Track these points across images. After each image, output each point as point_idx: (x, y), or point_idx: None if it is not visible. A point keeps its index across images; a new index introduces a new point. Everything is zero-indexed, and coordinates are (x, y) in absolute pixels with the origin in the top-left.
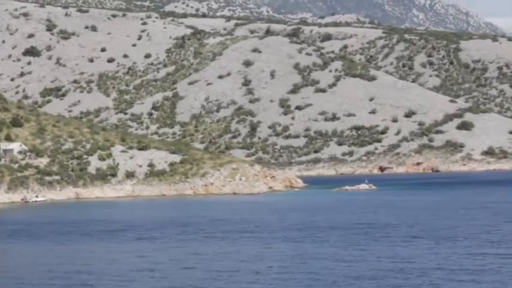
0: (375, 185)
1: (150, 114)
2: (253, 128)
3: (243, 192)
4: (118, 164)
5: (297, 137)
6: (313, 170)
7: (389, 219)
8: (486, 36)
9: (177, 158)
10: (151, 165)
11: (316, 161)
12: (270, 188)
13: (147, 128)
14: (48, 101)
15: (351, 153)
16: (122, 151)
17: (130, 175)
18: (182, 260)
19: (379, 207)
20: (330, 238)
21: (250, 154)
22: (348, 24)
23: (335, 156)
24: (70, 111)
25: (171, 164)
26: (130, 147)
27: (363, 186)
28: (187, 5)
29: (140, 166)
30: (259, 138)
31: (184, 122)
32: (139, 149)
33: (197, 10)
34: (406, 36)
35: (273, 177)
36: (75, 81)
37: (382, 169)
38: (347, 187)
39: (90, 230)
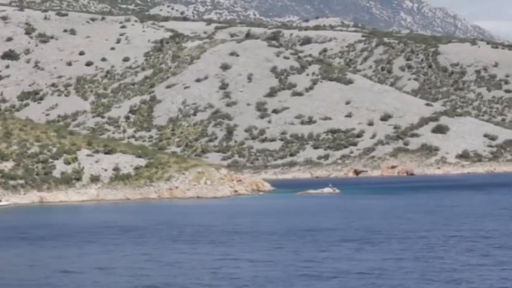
0: (343, 188)
1: (128, 117)
2: (230, 132)
3: (207, 196)
4: (83, 168)
5: (273, 140)
6: (288, 174)
7: (333, 223)
8: (465, 39)
9: (142, 161)
10: (116, 169)
11: (292, 164)
12: (235, 191)
13: (124, 131)
14: (26, 105)
15: (326, 157)
16: (88, 155)
17: (95, 179)
18: (98, 262)
19: (330, 211)
20: (256, 242)
21: (226, 157)
22: (332, 27)
23: (311, 159)
24: (47, 114)
25: (137, 168)
26: (97, 151)
27: (327, 189)
28: (173, 8)
29: (105, 170)
30: (235, 141)
31: (161, 125)
32: (106, 153)
33: (182, 13)
34: (385, 39)
35: (240, 180)
36: (53, 85)
37: (357, 172)
38: (311, 191)
39: (32, 234)
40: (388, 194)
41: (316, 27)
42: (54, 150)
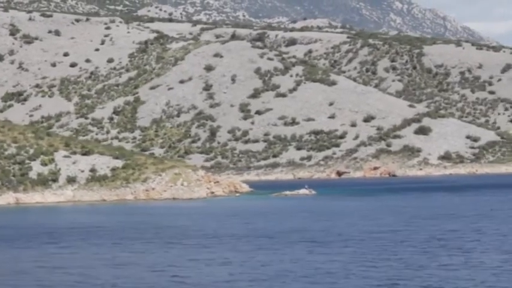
0: (320, 189)
1: (111, 118)
2: (213, 133)
3: (183, 197)
4: (60, 169)
5: (256, 141)
6: (271, 175)
7: (295, 225)
8: (450, 41)
9: (119, 163)
10: (93, 170)
11: (275, 165)
12: (212, 193)
13: (108, 132)
14: (10, 106)
15: (309, 158)
16: (65, 156)
17: (71, 180)
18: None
19: (298, 213)
20: (213, 244)
21: (209, 159)
22: (319, 28)
23: (293, 160)
24: (31, 115)
25: (113, 169)
26: (74, 152)
27: (303, 191)
28: (161, 9)
29: (82, 171)
30: (218, 142)
31: (145, 126)
32: (83, 154)
33: (170, 14)
34: (370, 41)
35: (217, 182)
36: (37, 86)
37: (339, 174)
38: (287, 192)
39: None
40: (364, 195)
41: (302, 29)
42: (32, 151)
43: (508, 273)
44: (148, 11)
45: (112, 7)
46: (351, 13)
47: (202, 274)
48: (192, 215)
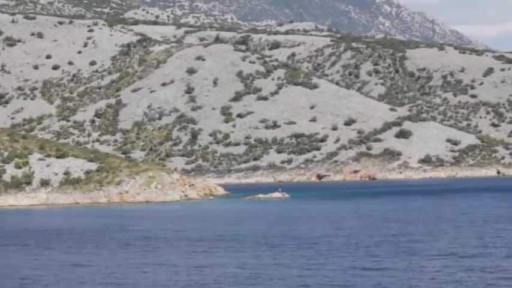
0: (295, 193)
1: (93, 121)
2: (194, 136)
3: (156, 200)
4: (33, 172)
5: (237, 144)
6: (251, 178)
7: (253, 228)
8: (433, 45)
9: (94, 166)
10: (67, 173)
11: (255, 168)
12: (186, 196)
13: (89, 135)
14: None
15: (289, 161)
16: (40, 159)
17: (45, 183)
18: None
19: (262, 217)
20: (165, 248)
21: (190, 162)
22: (306, 31)
23: (274, 164)
24: (13, 118)
25: (87, 172)
26: (49, 155)
27: (276, 194)
28: (147, 12)
29: (56, 174)
30: (199, 145)
31: (126, 129)
32: (58, 157)
33: (157, 17)
34: (354, 44)
35: (192, 185)
36: (19, 88)
37: (320, 177)
38: (260, 195)
39: None
40: (337, 199)
41: (286, 32)
42: (6, 154)
43: (442, 277)
44: (135, 13)
45: (99, 9)
46: (340, 16)
47: (139, 277)
48: (157, 218)
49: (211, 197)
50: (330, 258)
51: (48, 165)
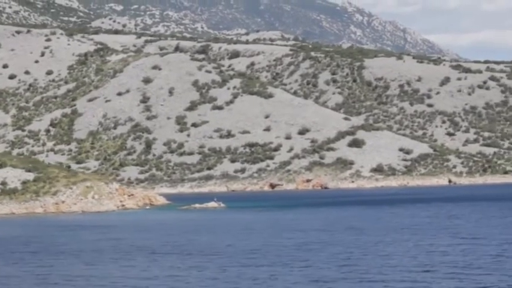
0: (231, 203)
1: (48, 131)
2: (149, 145)
3: (92, 210)
4: None
5: (191, 154)
6: (204, 187)
7: (162, 238)
8: (392, 54)
9: (31, 176)
10: (3, 183)
11: (209, 177)
12: (123, 206)
13: (44, 145)
14: None
15: (243, 170)
16: None
17: None
18: None
19: (182, 227)
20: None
21: (143, 171)
22: (272, 41)
23: (227, 173)
24: None
25: (24, 182)
26: None
27: (212, 204)
28: (114, 21)
29: None
30: (154, 155)
31: (81, 138)
32: None
33: (124, 26)
34: (312, 54)
35: (132, 195)
36: None
37: (272, 186)
38: (196, 205)
39: None
40: (271, 209)
41: (254, 41)
42: None
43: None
44: (102, 22)
45: (66, 18)
46: (312, 25)
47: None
48: (75, 229)
49: (147, 207)
50: (204, 268)
51: None
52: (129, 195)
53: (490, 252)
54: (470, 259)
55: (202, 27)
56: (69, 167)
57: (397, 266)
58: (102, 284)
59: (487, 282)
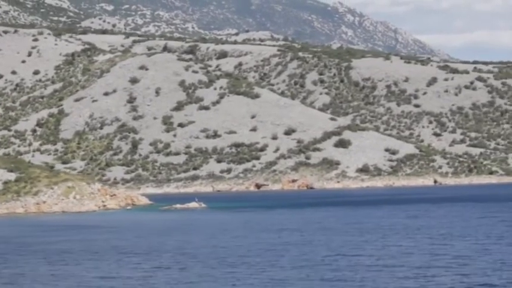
0: (213, 203)
1: (34, 131)
2: (135, 145)
3: (72, 210)
4: None
5: (177, 154)
6: (190, 187)
7: (130, 239)
8: (379, 54)
9: (13, 176)
10: None
11: (194, 178)
12: (104, 206)
13: (30, 145)
14: None
15: (229, 171)
16: None
17: None
18: None
19: (156, 228)
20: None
21: (130, 171)
22: (261, 41)
23: (213, 173)
24: None
25: (6, 183)
26: None
27: (193, 204)
28: (104, 21)
29: None
30: (140, 155)
31: (67, 139)
32: None
33: (114, 26)
34: (300, 54)
35: (114, 195)
36: None
37: (258, 186)
38: (177, 205)
39: None
40: (250, 210)
41: (243, 41)
42: None
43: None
44: (92, 22)
45: (55, 18)
46: (303, 25)
47: None
48: (50, 229)
49: (128, 207)
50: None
51: None
52: (111, 196)
53: (454, 253)
54: (433, 259)
55: (193, 27)
56: (52, 167)
57: (357, 265)
58: (67, 283)
59: (447, 282)
